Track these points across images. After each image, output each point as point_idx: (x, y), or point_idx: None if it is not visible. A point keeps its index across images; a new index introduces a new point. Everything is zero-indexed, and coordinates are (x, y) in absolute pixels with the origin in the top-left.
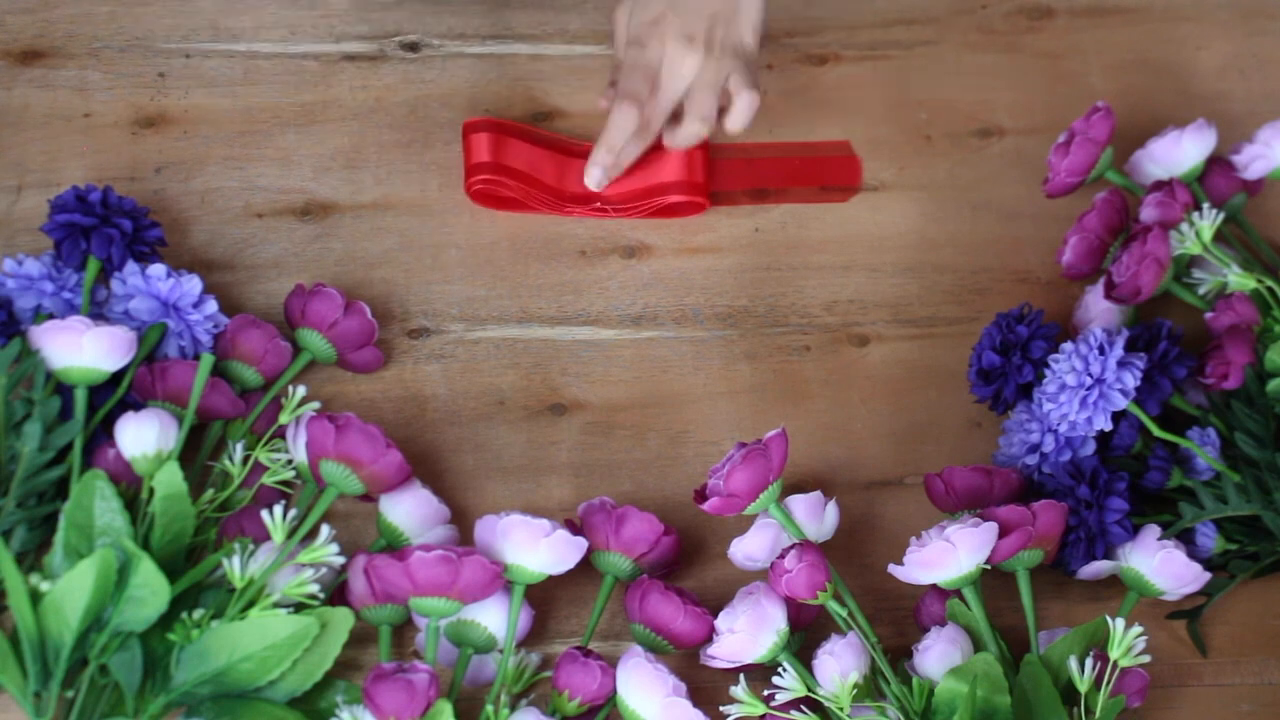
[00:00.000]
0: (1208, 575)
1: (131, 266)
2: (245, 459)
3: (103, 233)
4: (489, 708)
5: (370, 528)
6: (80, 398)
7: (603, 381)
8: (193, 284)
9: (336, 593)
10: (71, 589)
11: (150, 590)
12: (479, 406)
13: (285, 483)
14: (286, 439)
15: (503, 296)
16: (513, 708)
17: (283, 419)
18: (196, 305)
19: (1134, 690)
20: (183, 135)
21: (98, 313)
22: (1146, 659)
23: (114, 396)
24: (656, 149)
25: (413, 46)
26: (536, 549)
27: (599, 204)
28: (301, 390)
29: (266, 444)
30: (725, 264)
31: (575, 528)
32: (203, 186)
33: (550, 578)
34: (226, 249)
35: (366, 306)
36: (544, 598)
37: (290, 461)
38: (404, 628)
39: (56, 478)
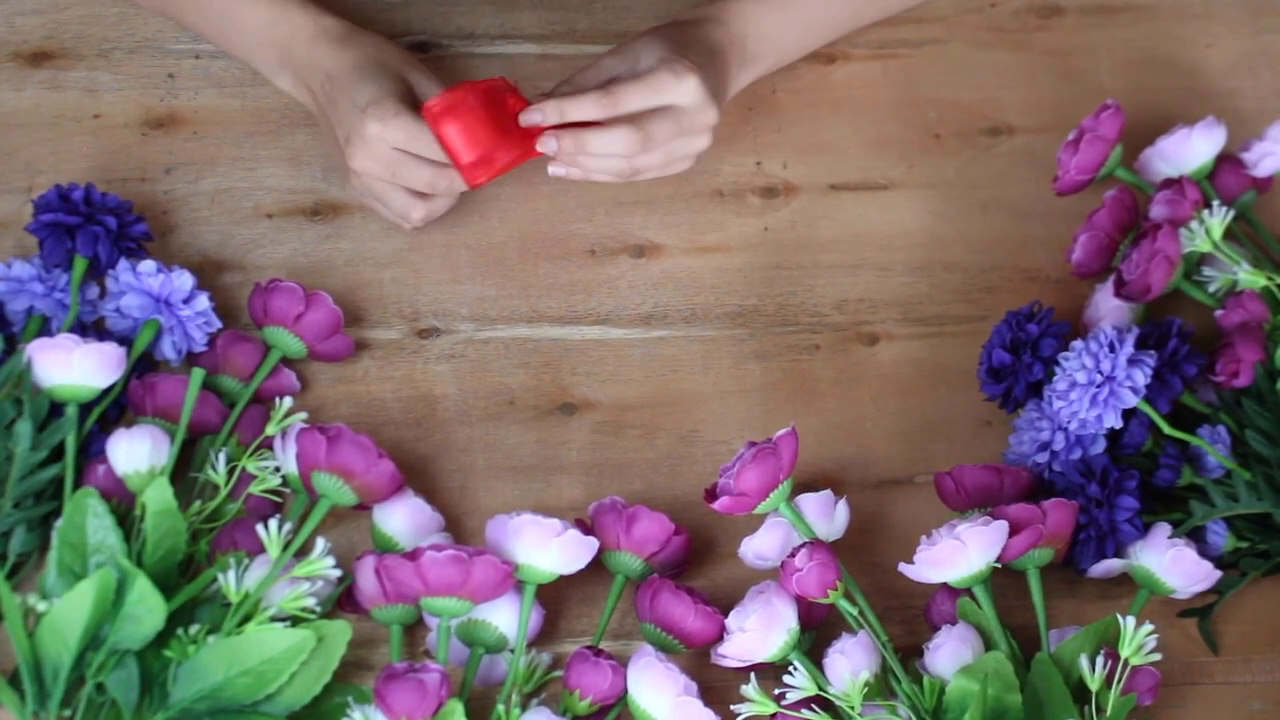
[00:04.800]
0: (1219, 573)
1: (124, 264)
2: (231, 469)
3: (87, 230)
4: (500, 707)
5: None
6: (71, 415)
7: (613, 381)
8: (183, 279)
9: (345, 594)
10: (70, 610)
11: (146, 608)
12: (489, 406)
13: (274, 491)
14: (274, 449)
15: (512, 296)
16: (524, 707)
17: (269, 430)
18: (188, 300)
19: (1145, 688)
20: (193, 136)
21: (90, 311)
22: (1157, 657)
23: (105, 400)
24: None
25: (422, 47)
26: (547, 549)
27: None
28: (288, 401)
29: (253, 453)
30: (735, 263)
31: (586, 527)
32: (213, 187)
33: (561, 577)
34: (236, 249)
35: (328, 296)
36: (555, 597)
37: (278, 469)
38: (415, 627)
39: (52, 476)
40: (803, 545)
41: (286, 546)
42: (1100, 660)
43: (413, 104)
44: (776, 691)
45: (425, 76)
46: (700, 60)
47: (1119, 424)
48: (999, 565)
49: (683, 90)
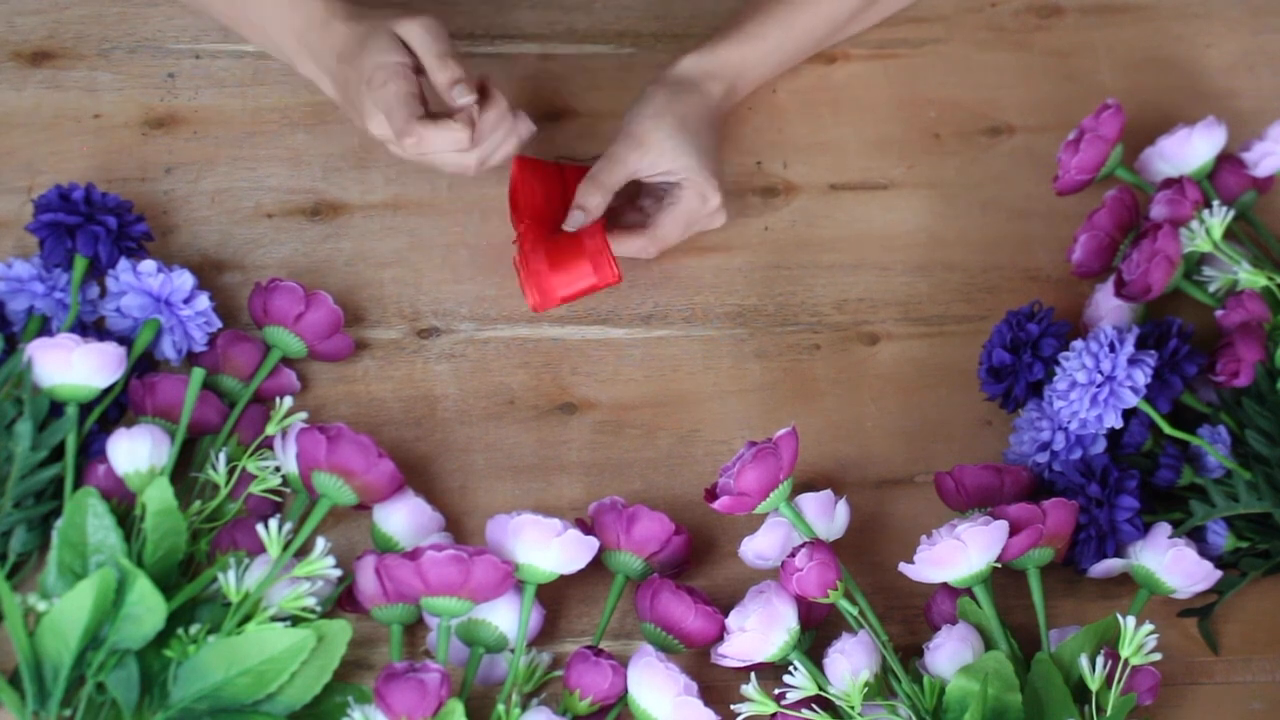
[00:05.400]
0: (1219, 573)
1: (124, 263)
2: (231, 469)
3: (88, 230)
4: (500, 707)
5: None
6: (71, 415)
7: (613, 381)
8: (183, 279)
9: (345, 594)
10: (70, 609)
11: (146, 607)
12: (489, 406)
13: (274, 491)
14: (275, 448)
15: (513, 296)
16: (524, 707)
17: (270, 430)
18: (188, 300)
19: (1145, 688)
20: (192, 136)
21: (91, 311)
22: (1157, 657)
23: (105, 400)
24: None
25: None
26: (548, 548)
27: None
28: (288, 401)
29: (253, 453)
30: (735, 263)
31: (586, 527)
32: (213, 187)
33: (561, 577)
34: (237, 249)
35: (328, 296)
36: (555, 597)
37: (278, 469)
38: (415, 627)
39: (52, 476)
40: (803, 545)
41: (286, 546)
42: (1100, 660)
43: (415, 73)
44: (776, 691)
45: (422, 29)
46: (708, 142)
47: (1119, 424)
48: (999, 565)
49: (713, 218)
